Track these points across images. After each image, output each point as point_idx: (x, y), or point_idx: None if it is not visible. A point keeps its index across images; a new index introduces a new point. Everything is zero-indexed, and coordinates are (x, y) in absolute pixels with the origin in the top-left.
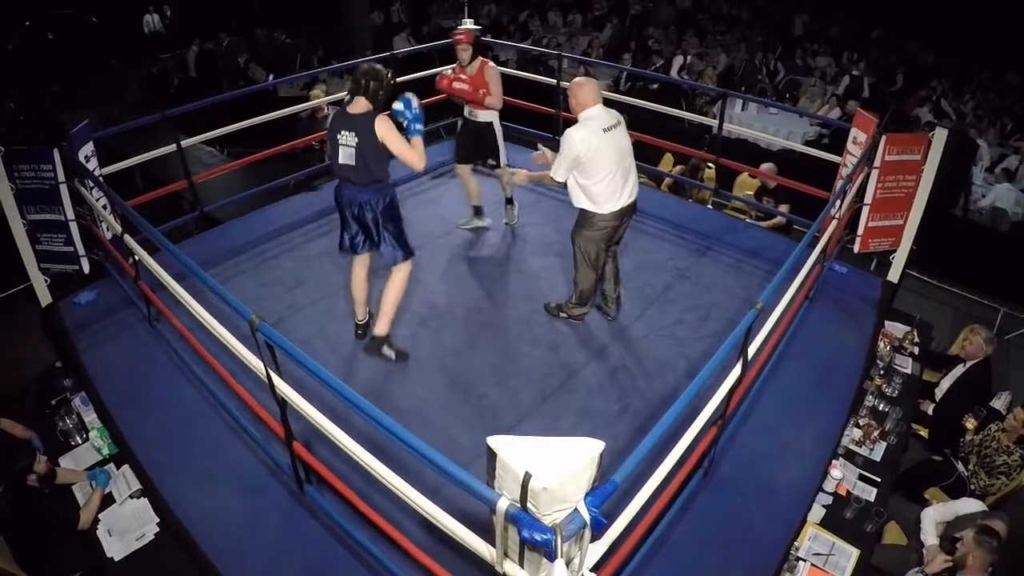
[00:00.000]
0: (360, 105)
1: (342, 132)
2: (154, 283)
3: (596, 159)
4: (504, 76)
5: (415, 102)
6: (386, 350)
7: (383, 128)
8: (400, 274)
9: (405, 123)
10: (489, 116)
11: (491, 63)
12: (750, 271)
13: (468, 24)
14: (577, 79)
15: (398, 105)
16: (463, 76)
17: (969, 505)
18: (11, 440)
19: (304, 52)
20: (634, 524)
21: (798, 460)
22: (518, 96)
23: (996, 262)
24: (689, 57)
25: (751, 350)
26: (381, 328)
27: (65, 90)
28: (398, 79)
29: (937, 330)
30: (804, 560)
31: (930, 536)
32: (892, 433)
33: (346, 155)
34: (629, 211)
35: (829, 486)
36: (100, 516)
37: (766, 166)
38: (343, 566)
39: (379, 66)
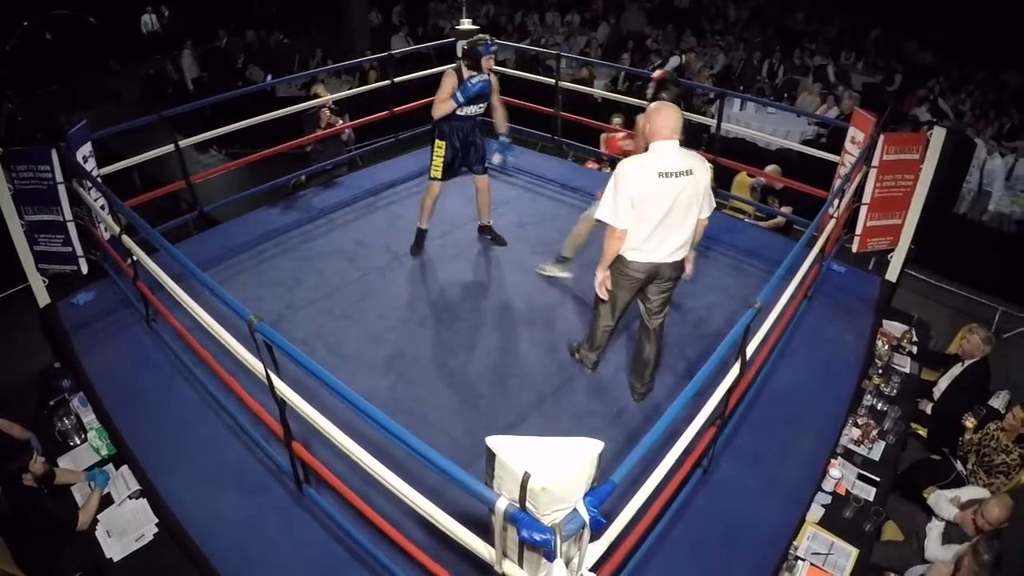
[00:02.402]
0: None
1: None
2: (152, 283)
3: (642, 205)
4: (503, 76)
5: (474, 85)
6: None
7: (443, 77)
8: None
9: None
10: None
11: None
12: (749, 271)
13: (467, 24)
14: (655, 103)
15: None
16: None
17: (973, 492)
18: (8, 441)
19: (302, 52)
20: (633, 524)
21: (797, 459)
22: (517, 96)
23: (994, 261)
24: (685, 56)
25: (749, 349)
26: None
27: (64, 90)
28: (396, 79)
29: (935, 329)
30: (803, 559)
31: (948, 512)
32: (891, 432)
33: None
34: (668, 270)
35: (828, 485)
36: (99, 517)
37: (771, 168)
38: (342, 566)
39: (477, 37)
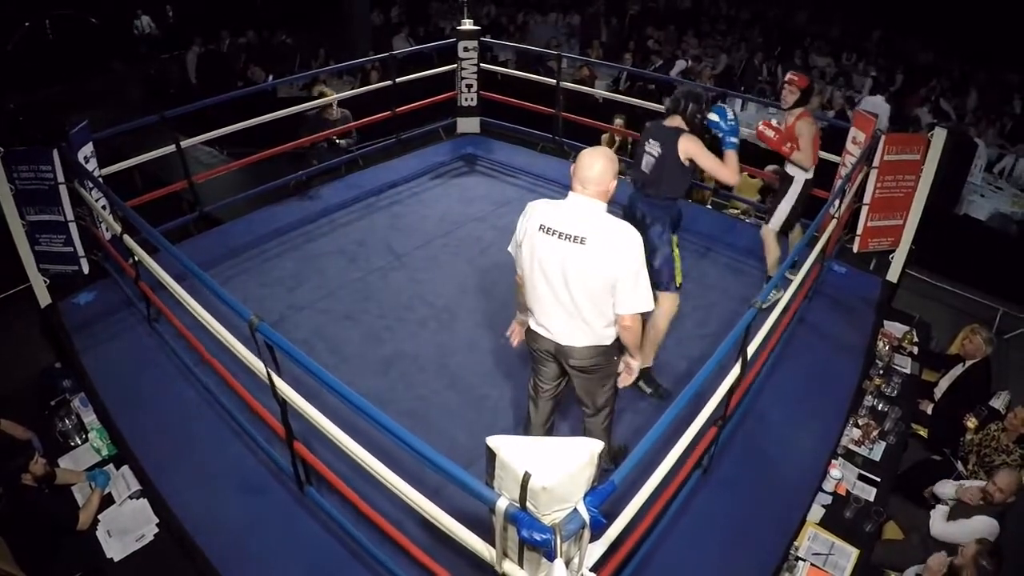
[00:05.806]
0: (675, 121)
1: (650, 141)
2: (154, 283)
3: (522, 255)
4: (504, 76)
5: (730, 113)
6: (642, 383)
7: (688, 145)
8: (657, 308)
9: (720, 135)
10: (793, 171)
11: (807, 118)
12: (750, 271)
13: (468, 24)
14: (588, 149)
15: (713, 116)
16: (774, 123)
17: (974, 483)
18: (9, 441)
19: (303, 53)
20: (633, 524)
21: (797, 460)
22: (518, 97)
23: (995, 261)
24: (690, 61)
25: (750, 349)
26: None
27: (65, 90)
28: (398, 79)
29: (936, 330)
30: (804, 560)
31: (950, 491)
32: (891, 433)
33: (646, 163)
34: (565, 355)
35: (828, 486)
36: (100, 517)
37: (771, 168)
38: (343, 567)
39: (699, 90)
